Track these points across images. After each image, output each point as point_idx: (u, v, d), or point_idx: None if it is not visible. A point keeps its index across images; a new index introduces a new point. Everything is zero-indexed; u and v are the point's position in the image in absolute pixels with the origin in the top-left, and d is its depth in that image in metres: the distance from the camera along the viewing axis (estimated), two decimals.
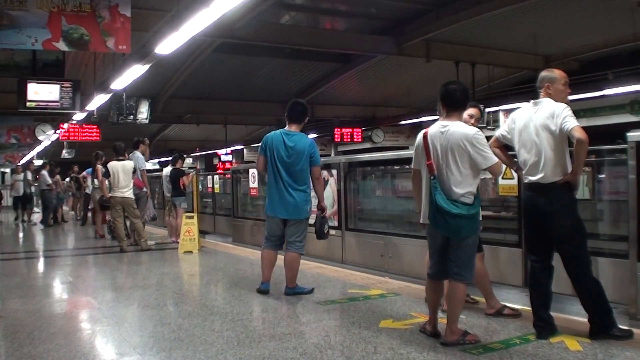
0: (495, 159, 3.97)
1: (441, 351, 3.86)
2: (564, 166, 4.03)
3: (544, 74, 4.28)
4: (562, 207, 4.04)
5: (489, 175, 5.05)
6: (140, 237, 9.82)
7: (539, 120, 4.05)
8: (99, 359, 3.99)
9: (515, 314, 4.74)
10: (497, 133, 4.47)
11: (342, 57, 16.30)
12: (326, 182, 8.83)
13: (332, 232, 8.59)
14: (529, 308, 4.32)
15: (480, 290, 4.91)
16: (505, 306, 4.82)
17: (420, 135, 4.15)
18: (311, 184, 5.77)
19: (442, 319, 4.18)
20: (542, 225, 4.15)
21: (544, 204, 4.07)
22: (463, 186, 3.92)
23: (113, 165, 9.69)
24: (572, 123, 3.88)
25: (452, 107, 4.07)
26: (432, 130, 4.07)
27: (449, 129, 3.97)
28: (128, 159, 10.01)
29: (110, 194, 9.84)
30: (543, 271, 4.19)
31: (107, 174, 9.82)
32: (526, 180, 4.21)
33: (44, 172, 16.12)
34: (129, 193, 9.69)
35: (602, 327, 4.03)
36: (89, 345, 4.33)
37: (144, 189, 10.39)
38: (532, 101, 4.23)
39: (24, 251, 11.04)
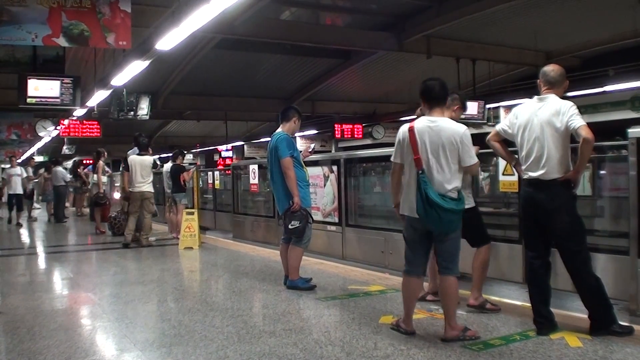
0: (476, 160, 4.07)
1: (441, 347, 3.86)
2: (566, 163, 4.03)
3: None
4: (562, 203, 4.04)
5: None
6: (143, 233, 9.83)
7: (543, 117, 4.04)
8: (100, 355, 4.00)
9: (496, 309, 4.78)
10: (498, 127, 4.46)
11: (343, 53, 16.27)
12: (327, 178, 8.84)
13: (332, 228, 8.60)
14: (528, 304, 4.32)
15: (474, 278, 4.87)
16: (487, 301, 4.83)
17: (404, 130, 4.13)
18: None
19: (439, 315, 4.18)
20: (541, 221, 4.14)
21: (543, 200, 4.07)
22: (451, 181, 3.98)
23: (132, 159, 9.82)
24: (578, 122, 3.87)
25: (433, 102, 4.12)
26: (419, 125, 4.07)
27: (439, 125, 4.01)
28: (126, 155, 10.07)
29: (129, 189, 9.93)
30: (542, 267, 4.19)
31: (127, 168, 9.93)
32: (526, 176, 4.20)
33: (60, 169, 16.15)
34: (146, 187, 9.77)
35: (602, 324, 4.02)
36: (89, 341, 4.34)
37: None
38: (536, 97, 4.21)
39: (24, 247, 11.05)
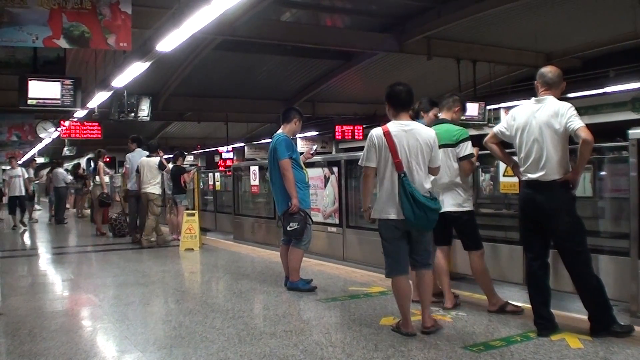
0: (439, 162, 4.36)
1: (442, 348, 3.86)
2: (565, 165, 4.03)
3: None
4: (561, 205, 4.04)
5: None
6: (146, 233, 9.87)
7: (542, 118, 4.04)
8: (100, 356, 4.00)
9: (518, 310, 4.73)
10: (496, 129, 4.45)
11: (343, 55, 16.29)
12: (327, 179, 8.83)
13: (332, 229, 8.60)
14: (529, 305, 4.32)
15: (481, 287, 4.91)
16: (507, 303, 4.81)
17: (379, 134, 4.18)
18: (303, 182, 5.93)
19: (439, 316, 4.18)
20: (539, 222, 4.14)
21: (543, 201, 4.06)
22: (427, 182, 4.18)
23: (140, 161, 10.02)
24: (577, 123, 3.88)
25: (399, 107, 4.26)
26: (394, 129, 4.17)
27: (413, 128, 4.18)
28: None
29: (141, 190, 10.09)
30: (541, 268, 4.18)
31: (137, 169, 10.08)
32: (525, 178, 4.20)
33: (61, 170, 16.16)
34: (150, 189, 9.87)
35: (602, 324, 4.02)
36: (90, 343, 4.34)
37: None
38: (533, 98, 4.21)
39: (25, 249, 11.05)
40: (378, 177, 4.23)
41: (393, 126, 4.19)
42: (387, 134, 4.14)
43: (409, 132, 4.14)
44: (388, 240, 4.23)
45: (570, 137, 3.98)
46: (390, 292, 5.63)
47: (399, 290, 4.23)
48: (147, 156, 10.13)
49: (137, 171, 10.06)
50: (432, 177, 4.45)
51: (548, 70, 4.23)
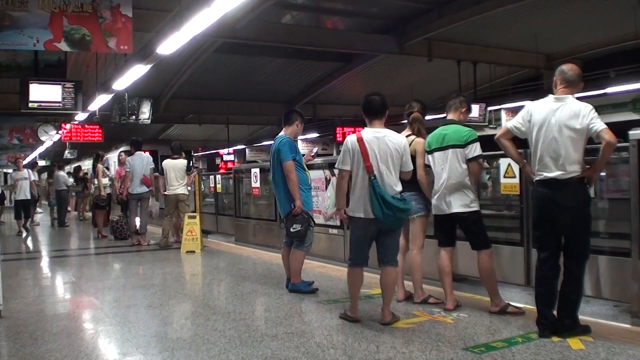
0: (411, 167, 4.66)
1: (444, 349, 3.86)
2: (581, 164, 4.02)
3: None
4: (580, 201, 4.03)
5: None
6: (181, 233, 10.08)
7: (562, 118, 4.02)
8: (102, 359, 4.00)
9: (519, 312, 4.73)
10: (509, 125, 4.35)
11: (344, 57, 16.30)
12: (328, 181, 8.84)
13: (334, 231, 8.60)
14: (531, 306, 4.32)
15: (486, 287, 4.90)
16: (509, 304, 4.81)
17: (353, 140, 4.53)
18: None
19: (441, 318, 4.17)
20: (555, 221, 4.08)
21: (560, 199, 4.02)
22: (396, 185, 4.51)
23: (165, 163, 10.15)
24: (600, 125, 3.91)
25: (372, 115, 4.62)
26: (366, 135, 4.51)
27: (385, 135, 4.51)
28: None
29: (165, 192, 10.25)
30: (552, 269, 4.13)
31: (162, 172, 10.20)
32: (540, 177, 4.13)
33: (62, 173, 16.13)
34: (180, 190, 10.03)
35: (569, 326, 4.05)
36: (91, 345, 4.34)
37: (151, 188, 10.51)
38: (552, 96, 4.15)
39: (26, 251, 11.06)
40: (352, 179, 4.55)
41: (366, 132, 4.54)
42: (360, 140, 4.49)
43: (380, 138, 4.48)
44: (355, 237, 4.66)
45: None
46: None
47: (354, 280, 4.67)
48: (172, 158, 10.19)
49: (162, 173, 10.16)
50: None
51: (568, 68, 4.19)
